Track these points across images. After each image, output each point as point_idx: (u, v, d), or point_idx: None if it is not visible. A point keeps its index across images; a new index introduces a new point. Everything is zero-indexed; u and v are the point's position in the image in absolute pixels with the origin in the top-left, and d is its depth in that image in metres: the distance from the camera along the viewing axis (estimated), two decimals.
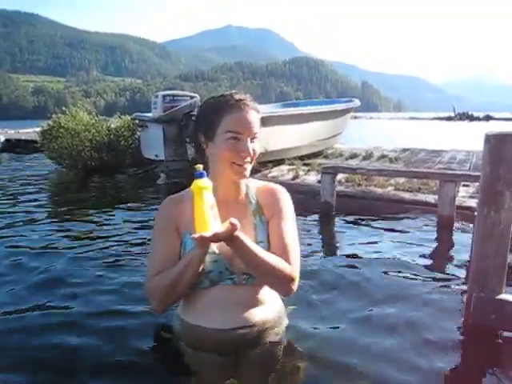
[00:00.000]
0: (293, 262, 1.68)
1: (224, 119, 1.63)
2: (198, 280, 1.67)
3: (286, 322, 1.93)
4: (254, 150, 1.65)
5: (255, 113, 1.67)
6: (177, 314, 1.88)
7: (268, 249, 1.70)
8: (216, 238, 1.44)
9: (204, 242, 1.46)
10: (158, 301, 1.70)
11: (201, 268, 1.63)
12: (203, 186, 1.43)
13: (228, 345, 1.72)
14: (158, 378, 1.74)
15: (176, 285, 1.63)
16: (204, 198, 1.43)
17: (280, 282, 1.66)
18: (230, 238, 1.48)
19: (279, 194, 1.82)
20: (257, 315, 1.75)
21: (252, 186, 1.83)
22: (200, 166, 1.45)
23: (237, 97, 1.67)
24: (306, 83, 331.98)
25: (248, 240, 1.56)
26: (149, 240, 3.60)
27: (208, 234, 1.41)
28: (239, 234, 1.50)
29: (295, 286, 1.69)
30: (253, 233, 1.72)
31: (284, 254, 1.68)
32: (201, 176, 1.44)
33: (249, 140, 1.63)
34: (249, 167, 1.67)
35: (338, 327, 2.11)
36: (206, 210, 1.42)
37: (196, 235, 1.41)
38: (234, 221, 1.44)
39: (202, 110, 1.75)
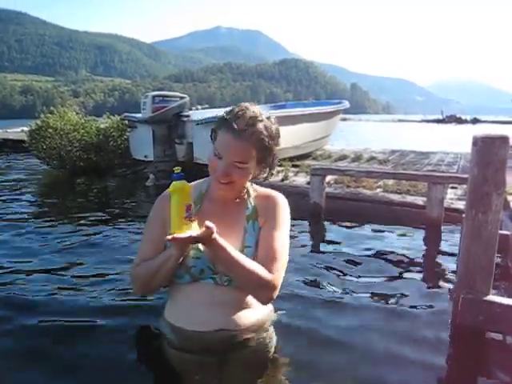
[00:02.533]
0: (275, 270, 1.64)
1: (217, 135, 1.65)
2: (179, 273, 1.69)
3: (272, 327, 1.90)
4: (236, 177, 1.63)
5: (247, 144, 1.59)
6: (163, 313, 1.87)
7: (255, 254, 1.68)
8: (189, 239, 1.48)
9: (178, 242, 1.50)
10: (137, 286, 1.81)
11: (184, 261, 1.66)
12: (178, 188, 1.49)
13: (210, 347, 1.70)
14: (142, 379, 1.74)
15: (154, 276, 1.69)
16: (179, 199, 1.48)
17: (258, 289, 1.64)
18: (205, 240, 1.51)
19: (276, 202, 1.77)
20: (239, 318, 1.73)
21: (253, 190, 1.81)
22: (179, 168, 1.50)
23: (234, 120, 1.59)
24: (296, 85, 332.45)
25: (226, 244, 1.56)
26: (136, 241, 3.60)
27: (181, 235, 1.45)
28: (217, 237, 1.51)
29: (274, 295, 1.66)
30: (241, 236, 1.71)
31: (268, 262, 1.64)
32: (177, 178, 1.50)
33: (228, 164, 1.60)
34: (233, 190, 1.68)
35: (325, 330, 2.10)
36: (181, 212, 1.47)
37: (169, 236, 1.46)
38: (210, 224, 1.47)
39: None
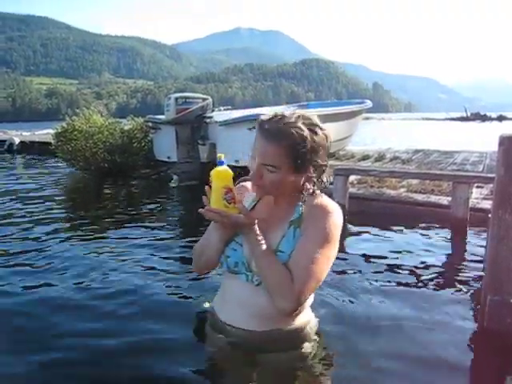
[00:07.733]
0: (300, 283, 1.54)
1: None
2: (221, 259, 1.74)
3: (305, 332, 1.82)
4: (267, 180, 1.57)
5: (277, 148, 1.52)
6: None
7: (287, 261, 1.59)
8: (219, 216, 1.56)
9: (210, 216, 1.58)
10: (193, 261, 1.88)
11: (225, 247, 1.72)
12: (218, 172, 1.60)
13: (237, 343, 1.74)
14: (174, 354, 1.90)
15: (201, 254, 1.79)
16: (218, 182, 1.59)
17: (278, 297, 1.56)
18: (243, 225, 1.59)
19: (325, 211, 1.64)
20: (266, 321, 1.69)
21: (309, 201, 1.67)
22: (222, 155, 1.62)
23: (269, 123, 1.56)
24: (317, 84, 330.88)
25: (261, 238, 1.60)
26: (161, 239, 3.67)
27: (213, 208, 1.56)
28: (256, 229, 1.59)
29: (293, 308, 1.56)
30: (277, 240, 1.64)
31: (295, 273, 1.55)
32: (220, 164, 1.61)
33: (259, 165, 1.56)
34: (265, 193, 1.64)
35: (355, 334, 2.11)
36: (220, 193, 1.57)
37: (202, 210, 1.56)
38: (242, 206, 1.57)
39: None
